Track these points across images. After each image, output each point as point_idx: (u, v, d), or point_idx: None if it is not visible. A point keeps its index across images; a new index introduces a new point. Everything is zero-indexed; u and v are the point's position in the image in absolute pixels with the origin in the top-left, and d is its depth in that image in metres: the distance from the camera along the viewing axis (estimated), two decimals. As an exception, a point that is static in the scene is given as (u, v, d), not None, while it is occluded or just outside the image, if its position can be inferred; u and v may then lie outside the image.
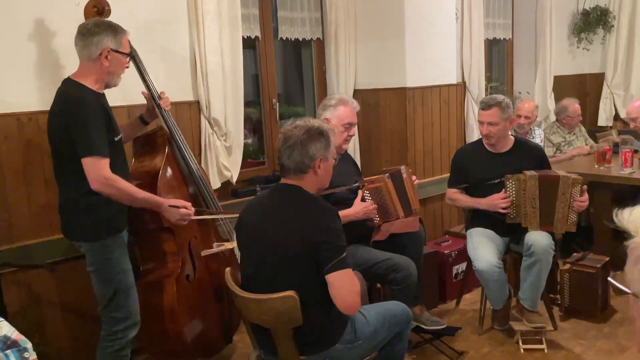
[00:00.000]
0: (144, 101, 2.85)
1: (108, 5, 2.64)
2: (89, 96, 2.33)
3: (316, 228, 2.05)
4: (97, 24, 2.40)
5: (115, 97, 2.59)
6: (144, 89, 2.77)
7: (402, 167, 3.08)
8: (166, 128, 2.80)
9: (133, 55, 2.69)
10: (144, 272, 2.72)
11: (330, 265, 2.01)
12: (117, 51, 2.39)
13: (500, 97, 3.30)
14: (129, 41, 2.56)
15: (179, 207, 2.50)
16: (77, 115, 2.28)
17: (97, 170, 2.28)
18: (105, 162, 2.30)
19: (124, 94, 2.87)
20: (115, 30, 2.40)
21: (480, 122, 3.31)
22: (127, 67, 2.50)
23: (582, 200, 3.14)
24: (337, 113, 3.00)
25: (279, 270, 2.10)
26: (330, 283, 2.03)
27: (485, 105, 3.26)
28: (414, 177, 3.11)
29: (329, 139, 2.20)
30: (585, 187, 3.15)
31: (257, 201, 2.31)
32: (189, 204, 2.54)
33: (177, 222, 2.54)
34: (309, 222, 2.07)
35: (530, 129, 4.67)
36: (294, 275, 2.08)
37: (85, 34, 2.36)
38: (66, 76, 2.44)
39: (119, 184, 2.32)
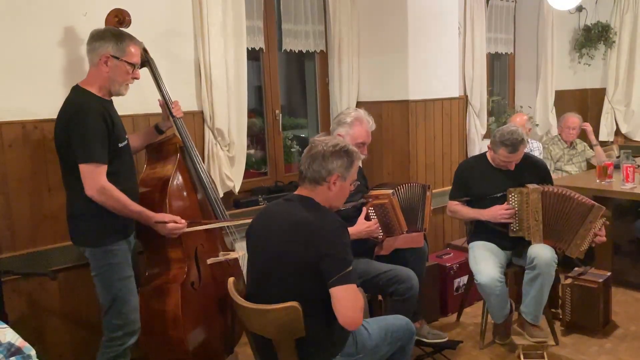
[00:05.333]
0: (147, 111, 2.88)
1: (129, 16, 2.68)
2: (91, 102, 2.34)
3: (321, 240, 2.04)
4: (105, 30, 2.44)
5: (120, 106, 2.60)
6: (159, 97, 2.81)
7: (429, 185, 3.15)
8: (179, 136, 2.83)
9: (147, 62, 2.73)
10: (150, 277, 2.72)
11: (334, 279, 2.00)
12: (117, 58, 2.39)
13: (517, 132, 3.18)
14: (145, 50, 2.58)
15: (166, 222, 2.51)
16: (77, 121, 2.29)
17: (94, 177, 2.29)
18: (102, 170, 2.31)
19: (130, 102, 2.89)
20: (120, 38, 2.40)
21: (507, 161, 3.25)
22: (135, 78, 2.49)
23: (602, 235, 3.13)
24: (352, 131, 2.99)
25: (282, 279, 2.10)
26: (334, 296, 2.01)
27: (513, 149, 3.17)
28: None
29: (352, 161, 2.22)
30: (607, 222, 3.16)
31: (268, 209, 2.31)
32: (178, 218, 2.54)
33: (167, 235, 2.55)
34: (314, 233, 2.06)
35: (527, 140, 4.70)
36: (296, 285, 2.07)
37: (90, 40, 2.41)
38: (73, 84, 2.46)
39: (113, 194, 2.33)
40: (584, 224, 3.11)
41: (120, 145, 2.43)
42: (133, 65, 2.45)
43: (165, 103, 2.80)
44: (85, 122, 2.28)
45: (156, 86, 2.79)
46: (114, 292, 2.43)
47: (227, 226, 2.99)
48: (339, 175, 2.18)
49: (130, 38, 2.44)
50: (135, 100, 2.92)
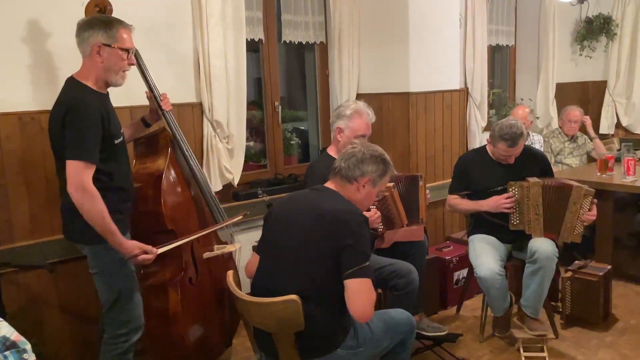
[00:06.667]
0: (147, 102, 2.84)
1: (110, 5, 2.59)
2: (86, 97, 2.25)
3: (346, 230, 2.05)
4: (91, 19, 2.35)
5: (117, 98, 2.57)
6: (146, 89, 2.73)
7: (421, 175, 3.11)
8: (169, 129, 2.78)
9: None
10: (146, 275, 2.69)
11: (352, 271, 2.01)
12: (109, 46, 2.28)
13: (516, 126, 3.14)
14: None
15: (137, 256, 2.32)
16: (73, 116, 2.20)
17: (78, 175, 2.17)
18: (89, 170, 2.19)
19: (127, 94, 2.86)
20: (108, 24, 2.30)
21: (506, 155, 3.24)
22: (131, 64, 2.39)
23: (591, 214, 3.13)
24: (351, 124, 2.97)
25: (299, 266, 2.10)
26: (348, 288, 2.02)
27: (512, 143, 3.14)
28: (427, 192, 3.10)
29: (386, 171, 2.30)
30: (595, 200, 3.15)
31: (292, 196, 2.34)
32: (149, 248, 2.35)
33: (138, 264, 2.41)
34: (340, 223, 2.07)
35: (528, 133, 4.68)
36: (310, 273, 2.08)
37: (78, 31, 2.31)
38: (70, 75, 2.37)
39: (93, 198, 2.18)
40: (568, 207, 3.11)
41: (116, 142, 2.35)
42: (127, 50, 2.34)
43: (153, 96, 2.71)
44: (81, 118, 2.19)
45: (142, 78, 2.70)
46: (119, 289, 2.38)
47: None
48: (371, 179, 2.25)
49: (120, 22, 2.34)
50: (130, 92, 2.89)
